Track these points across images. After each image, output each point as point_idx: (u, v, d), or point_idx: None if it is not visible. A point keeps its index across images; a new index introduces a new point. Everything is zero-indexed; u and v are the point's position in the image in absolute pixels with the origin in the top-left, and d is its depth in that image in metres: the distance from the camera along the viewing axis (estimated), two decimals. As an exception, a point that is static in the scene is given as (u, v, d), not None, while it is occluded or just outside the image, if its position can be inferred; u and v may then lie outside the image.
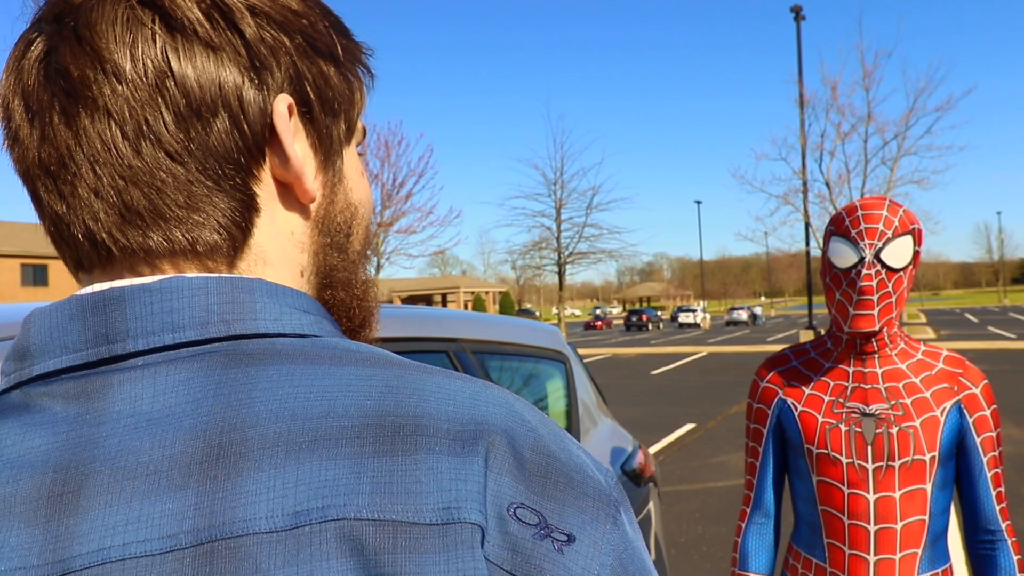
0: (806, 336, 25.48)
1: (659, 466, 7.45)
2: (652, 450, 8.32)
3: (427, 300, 70.67)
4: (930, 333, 29.87)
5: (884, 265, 1.37)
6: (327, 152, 0.51)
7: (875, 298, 1.37)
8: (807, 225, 24.70)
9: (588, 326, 55.34)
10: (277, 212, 0.48)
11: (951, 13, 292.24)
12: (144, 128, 0.43)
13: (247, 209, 0.46)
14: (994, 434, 1.42)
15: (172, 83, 0.43)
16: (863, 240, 1.38)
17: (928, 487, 1.39)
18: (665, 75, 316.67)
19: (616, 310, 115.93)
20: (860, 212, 1.42)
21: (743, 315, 53.86)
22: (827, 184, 24.88)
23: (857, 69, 30.82)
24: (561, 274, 30.93)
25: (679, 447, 8.46)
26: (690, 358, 22.27)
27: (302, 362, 0.41)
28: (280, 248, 0.49)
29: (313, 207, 0.50)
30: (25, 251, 40.60)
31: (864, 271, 1.37)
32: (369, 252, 0.58)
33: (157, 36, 0.43)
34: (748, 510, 1.60)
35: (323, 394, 0.39)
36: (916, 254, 1.42)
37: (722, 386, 14.46)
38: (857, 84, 24.73)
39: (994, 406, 1.43)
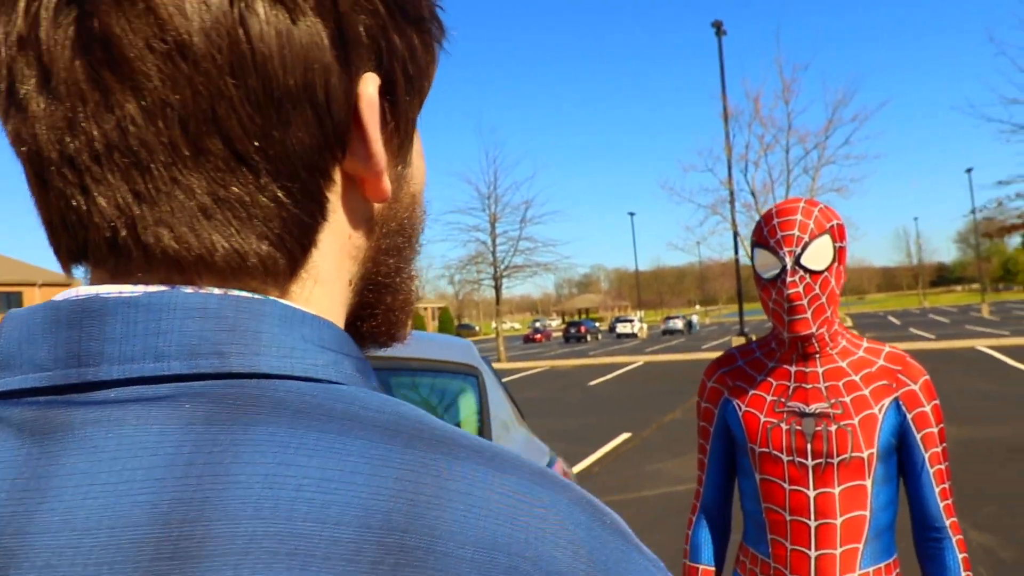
0: (738, 343, 26.09)
1: (595, 477, 7.49)
2: (587, 461, 8.35)
3: (364, 318, 70.03)
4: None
5: (807, 269, 1.38)
6: (402, 139, 0.42)
7: (805, 302, 1.39)
8: (735, 234, 25.32)
9: (528, 339, 55.53)
10: (340, 217, 0.40)
11: (865, 27, 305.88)
12: (211, 122, 0.34)
13: (314, 219, 0.38)
14: (935, 430, 1.41)
15: (250, 62, 0.34)
16: (782, 248, 1.40)
17: (868, 483, 1.40)
18: (594, 90, 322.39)
19: (555, 322, 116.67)
20: (776, 220, 1.43)
21: (679, 324, 54.82)
22: (752, 193, 25.60)
23: (777, 82, 31.88)
24: (498, 288, 30.95)
25: (615, 457, 8.52)
26: (627, 368, 22.52)
27: (304, 425, 0.32)
28: (335, 258, 0.40)
29: (378, 207, 0.42)
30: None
31: (788, 279, 1.39)
32: (420, 246, 0.49)
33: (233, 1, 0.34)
34: (697, 504, 1.62)
35: (320, 483, 0.30)
36: (839, 250, 1.43)
37: (658, 395, 14.65)
38: (778, 97, 25.62)
39: (935, 402, 1.43)
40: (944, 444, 1.44)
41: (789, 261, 1.39)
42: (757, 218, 25.51)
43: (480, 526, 0.30)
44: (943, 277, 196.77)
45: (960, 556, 1.42)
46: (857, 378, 1.44)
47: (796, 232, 1.39)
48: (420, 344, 2.12)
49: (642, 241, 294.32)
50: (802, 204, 1.43)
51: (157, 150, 0.34)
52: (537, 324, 77.83)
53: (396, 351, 1.91)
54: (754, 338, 26.26)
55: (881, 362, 1.45)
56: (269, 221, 0.36)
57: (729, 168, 25.24)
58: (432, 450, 0.33)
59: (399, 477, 0.31)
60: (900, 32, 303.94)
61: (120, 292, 0.34)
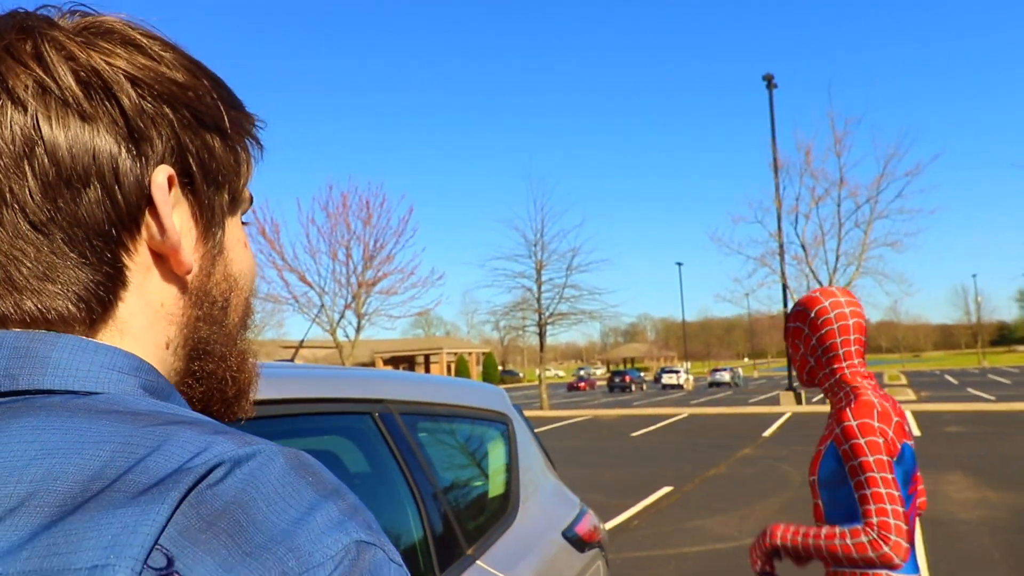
0: (786, 398, 25.46)
1: (634, 530, 7.33)
2: (627, 513, 8.18)
3: (410, 361, 70.20)
4: (911, 395, 29.94)
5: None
6: (208, 223, 0.51)
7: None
8: (784, 287, 24.95)
9: (571, 387, 55.01)
10: (149, 283, 0.47)
11: (917, 81, 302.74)
12: (8, 196, 0.42)
13: (112, 281, 0.45)
14: (855, 463, 1.77)
15: (41, 151, 0.42)
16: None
17: (819, 501, 1.91)
18: (644, 139, 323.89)
19: (600, 371, 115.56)
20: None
21: (726, 376, 53.82)
22: (803, 246, 25.24)
23: (829, 135, 31.65)
24: (542, 335, 30.84)
25: (655, 511, 8.32)
26: (672, 419, 22.13)
27: (56, 415, 0.39)
28: (146, 320, 0.47)
29: (189, 278, 0.50)
30: None
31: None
32: (248, 326, 0.57)
33: (29, 103, 0.43)
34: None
35: (52, 452, 0.37)
36: (791, 329, 2.04)
37: (702, 449, 14.33)
38: (829, 150, 25.38)
39: (854, 440, 1.78)
40: (868, 471, 1.77)
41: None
42: (806, 271, 25.18)
43: (163, 461, 0.37)
44: (1004, 336, 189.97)
45: (857, 540, 1.73)
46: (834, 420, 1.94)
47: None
48: (451, 389, 2.12)
49: (689, 291, 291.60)
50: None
51: None
52: (581, 372, 77.36)
53: (420, 395, 1.92)
54: (802, 394, 25.64)
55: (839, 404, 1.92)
56: (67, 283, 0.44)
57: (779, 220, 25.00)
58: (164, 424, 0.40)
59: (125, 441, 0.38)
60: (955, 85, 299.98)
61: None
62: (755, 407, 26.45)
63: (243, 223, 0.58)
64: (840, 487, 1.82)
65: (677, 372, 53.70)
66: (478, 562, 1.76)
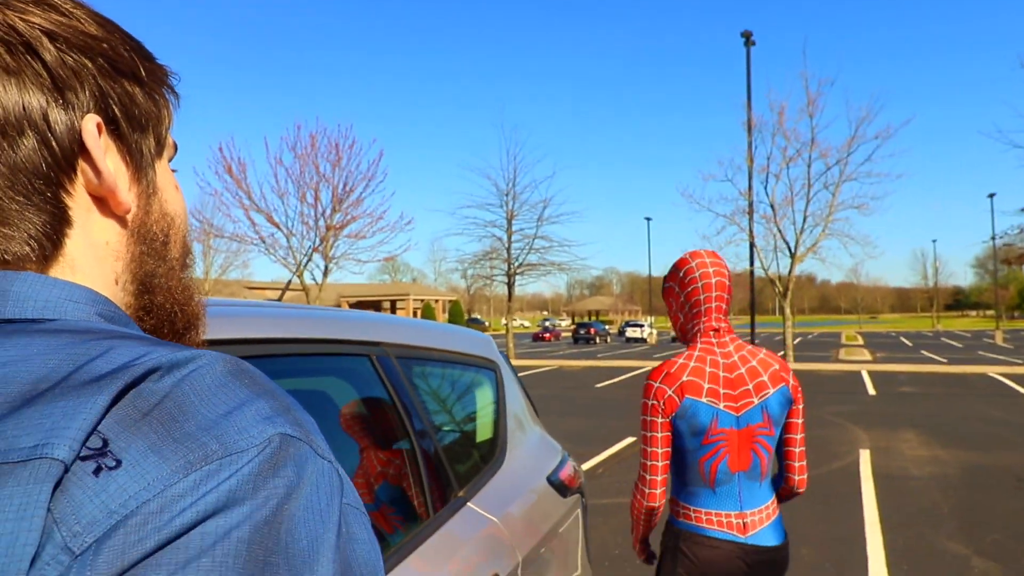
0: (748, 354, 25.96)
1: (599, 477, 7.49)
2: (592, 462, 8.35)
3: (376, 306, 70.02)
4: (867, 355, 30.73)
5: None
6: (138, 165, 0.55)
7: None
8: (752, 245, 25.21)
9: (536, 338, 55.47)
10: (92, 224, 0.51)
11: (893, 45, 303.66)
12: None
13: (58, 221, 0.49)
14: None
15: None
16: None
17: None
18: (618, 92, 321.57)
19: (565, 322, 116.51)
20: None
21: (688, 331, 54.52)
22: (772, 206, 25.48)
23: (802, 96, 31.68)
24: (511, 285, 30.91)
25: (619, 460, 8.51)
26: (635, 372, 22.48)
27: (12, 333, 0.44)
28: (93, 257, 0.52)
29: (129, 217, 0.54)
30: None
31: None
32: (190, 263, 0.61)
33: None
34: None
35: (5, 363, 0.41)
36: (665, 288, 2.23)
37: (664, 401, 14.59)
38: (802, 111, 25.45)
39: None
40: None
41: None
42: (775, 230, 25.46)
43: (109, 362, 0.41)
44: (958, 301, 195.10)
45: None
46: None
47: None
48: (444, 335, 2.12)
49: (657, 247, 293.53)
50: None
51: None
52: (547, 323, 77.76)
53: (415, 339, 1.92)
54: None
55: None
56: (18, 225, 0.48)
57: (750, 179, 25.13)
58: (108, 338, 0.44)
59: (71, 352, 0.42)
60: (929, 52, 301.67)
61: None
62: (717, 362, 26.89)
63: (172, 169, 0.62)
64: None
65: (641, 326, 54.36)
66: (469, 503, 1.79)
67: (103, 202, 0.52)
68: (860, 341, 48.16)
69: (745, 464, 2.09)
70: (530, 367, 25.26)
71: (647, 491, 2.10)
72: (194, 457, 0.38)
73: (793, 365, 23.50)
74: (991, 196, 50.05)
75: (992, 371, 20.99)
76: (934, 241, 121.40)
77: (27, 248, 0.48)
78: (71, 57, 0.49)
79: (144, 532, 0.35)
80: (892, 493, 6.95)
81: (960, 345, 41.47)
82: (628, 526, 5.82)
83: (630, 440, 9.82)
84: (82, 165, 0.50)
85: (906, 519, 6.07)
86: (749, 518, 2.10)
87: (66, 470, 0.36)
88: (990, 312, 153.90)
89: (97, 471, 0.36)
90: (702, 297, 2.11)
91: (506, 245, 30.43)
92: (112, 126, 0.52)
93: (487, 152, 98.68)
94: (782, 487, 2.26)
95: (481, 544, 1.71)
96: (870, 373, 20.81)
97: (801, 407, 2.17)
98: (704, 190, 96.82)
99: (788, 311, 25.93)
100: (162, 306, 0.57)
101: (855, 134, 24.82)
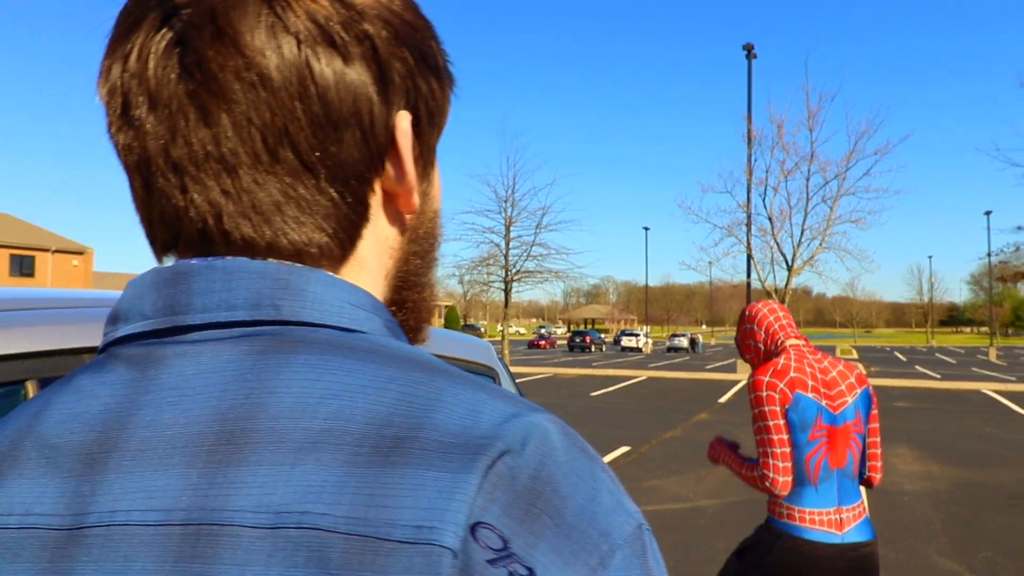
0: (742, 366, 26.03)
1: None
2: (585, 471, 8.34)
3: (371, 310, 69.86)
4: (861, 370, 30.74)
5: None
6: (426, 164, 0.53)
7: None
8: (749, 257, 25.26)
9: (532, 345, 55.40)
10: (380, 220, 0.50)
11: (894, 61, 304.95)
12: (284, 136, 0.43)
13: (359, 218, 0.48)
14: (753, 412, 2.33)
15: (314, 92, 0.43)
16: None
17: None
18: (620, 102, 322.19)
19: (561, 330, 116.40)
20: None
21: (683, 342, 54.68)
22: (770, 219, 25.52)
23: (802, 109, 31.79)
24: (507, 291, 30.87)
25: (613, 469, 8.44)
26: (630, 382, 22.49)
27: (332, 354, 0.41)
28: (376, 254, 0.50)
29: (408, 216, 0.52)
30: (14, 242, 40.02)
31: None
32: (438, 260, 0.60)
33: (302, 45, 0.43)
34: None
35: (339, 393, 0.39)
36: (745, 331, 2.58)
37: (660, 411, 14.62)
38: (802, 124, 25.51)
39: (751, 395, 2.33)
40: (757, 423, 2.30)
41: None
42: (772, 243, 25.52)
43: (460, 422, 0.38)
44: (953, 318, 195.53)
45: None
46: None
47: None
48: (440, 341, 2.12)
49: (654, 257, 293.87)
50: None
51: (243, 157, 0.43)
52: (543, 330, 77.79)
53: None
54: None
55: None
56: (326, 218, 0.46)
57: (748, 192, 25.19)
58: (433, 375, 0.41)
59: (402, 390, 0.39)
60: (929, 68, 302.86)
61: (203, 260, 0.44)
62: (712, 373, 26.98)
63: None
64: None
65: (637, 335, 54.40)
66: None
67: (392, 200, 0.50)
68: (855, 355, 48.24)
69: (842, 461, 2.26)
70: (525, 374, 25.24)
71: (772, 476, 2.24)
72: (593, 560, 0.36)
73: (788, 378, 23.47)
74: (988, 213, 50.24)
75: (986, 388, 21.04)
76: (930, 257, 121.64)
77: (331, 243, 0.46)
78: (395, 48, 0.47)
79: None
80: (884, 507, 6.96)
81: (954, 361, 41.55)
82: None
83: (625, 449, 9.82)
84: (389, 162, 0.48)
85: (898, 534, 6.08)
86: (845, 514, 2.24)
87: (454, 556, 0.34)
88: (984, 329, 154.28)
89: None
90: (773, 319, 2.50)
91: (504, 251, 30.44)
92: (415, 123, 0.49)
93: (488, 158, 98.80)
94: (861, 481, 2.41)
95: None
96: (864, 387, 20.83)
97: (877, 411, 2.42)
98: (702, 202, 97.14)
99: (784, 324, 25.91)
100: (415, 302, 0.56)
101: (854, 148, 24.87)
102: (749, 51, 24.84)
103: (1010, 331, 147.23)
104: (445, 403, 0.39)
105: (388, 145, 0.47)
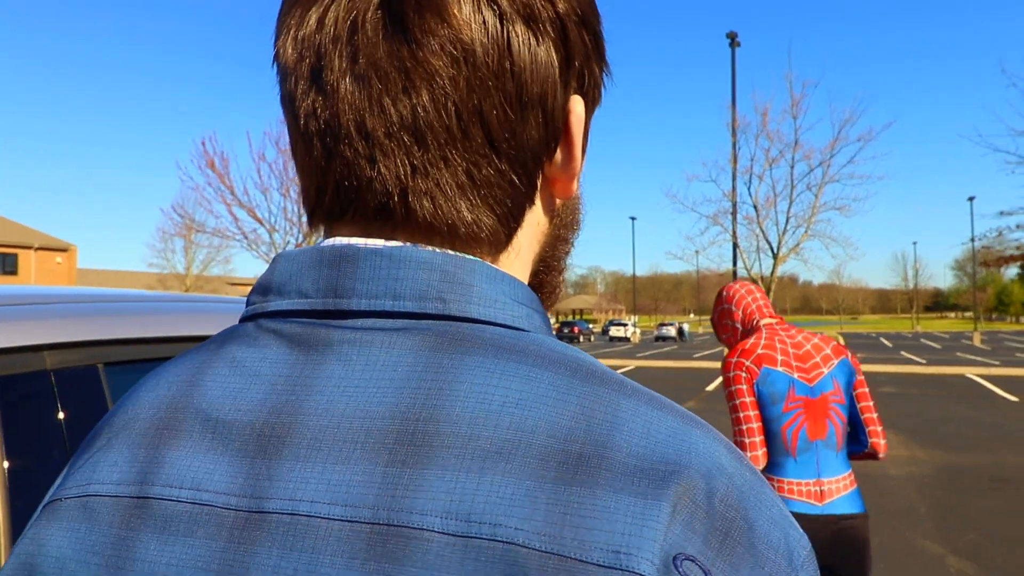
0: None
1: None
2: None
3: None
4: (840, 341, 30.96)
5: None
6: (582, 150, 0.51)
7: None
8: (735, 245, 25.33)
9: (520, 336, 55.27)
10: (538, 203, 0.49)
11: (877, 48, 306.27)
12: (478, 114, 0.43)
13: (527, 202, 0.47)
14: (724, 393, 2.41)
15: (510, 71, 0.43)
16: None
17: None
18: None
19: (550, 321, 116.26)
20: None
21: (671, 331, 54.84)
22: (755, 207, 25.61)
23: (786, 97, 31.90)
24: (494, 283, 30.80)
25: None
26: (619, 371, 22.44)
27: (505, 358, 0.40)
28: (530, 239, 0.50)
29: (559, 201, 0.52)
30: None
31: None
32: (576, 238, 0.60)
33: (504, 20, 0.42)
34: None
35: (519, 401, 0.38)
36: (721, 311, 2.69)
37: (646, 400, 14.62)
38: (786, 112, 25.58)
39: (721, 377, 2.42)
40: (729, 403, 2.40)
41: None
42: (757, 231, 25.61)
43: (643, 444, 0.37)
44: (938, 303, 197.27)
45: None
46: None
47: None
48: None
49: (641, 247, 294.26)
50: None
51: (437, 131, 0.42)
52: (531, 322, 77.42)
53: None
54: None
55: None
56: (503, 200, 0.45)
57: (734, 180, 25.24)
58: (605, 386, 0.40)
59: (580, 404, 0.38)
60: (911, 56, 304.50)
61: (367, 243, 0.43)
62: (700, 362, 27.09)
63: None
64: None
65: (625, 325, 54.48)
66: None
67: (550, 184, 0.49)
68: (842, 342, 48.50)
69: (822, 432, 2.32)
70: (513, 365, 25.20)
71: (748, 454, 2.31)
72: None
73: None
74: (971, 199, 50.68)
75: (970, 372, 21.23)
76: (914, 243, 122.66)
77: (499, 226, 0.45)
78: (577, 32, 0.46)
79: None
80: (870, 492, 7.01)
81: (939, 346, 41.92)
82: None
83: (612, 439, 9.83)
84: (560, 146, 0.47)
85: (883, 518, 6.12)
86: (827, 486, 2.29)
87: None
88: (969, 314, 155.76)
89: None
90: (751, 299, 2.59)
91: (490, 243, 30.29)
92: (585, 108, 0.49)
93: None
94: (866, 451, 2.45)
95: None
96: (850, 373, 20.96)
97: (863, 378, 2.45)
98: (688, 191, 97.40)
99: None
100: (552, 286, 0.56)
101: (838, 136, 24.98)
102: (732, 39, 24.82)
103: (994, 316, 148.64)
104: (624, 419, 0.38)
105: (562, 129, 0.47)
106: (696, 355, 33.07)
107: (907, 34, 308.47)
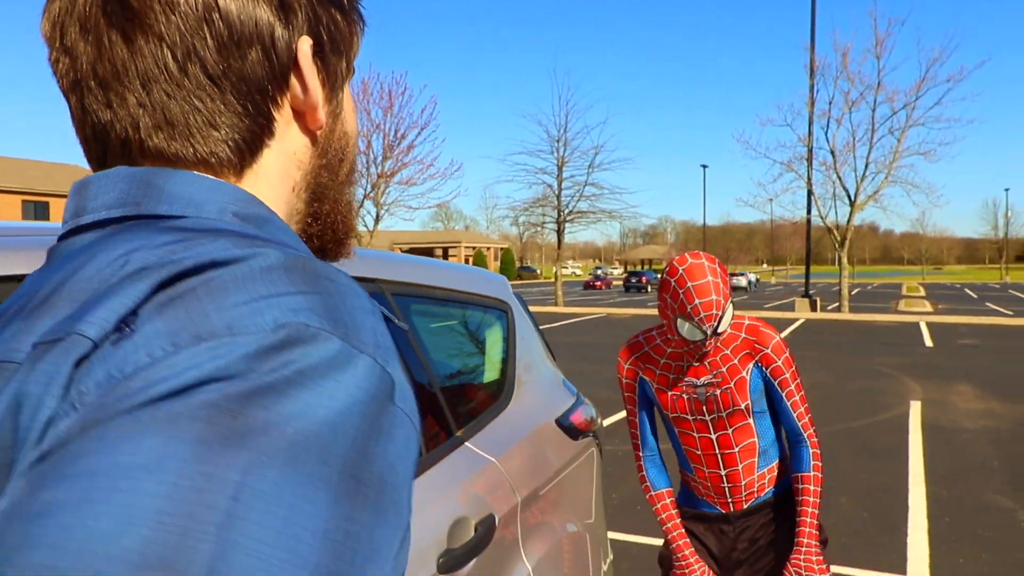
0: (801, 304, 25.48)
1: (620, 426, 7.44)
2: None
3: (428, 253, 70.47)
4: (927, 306, 29.81)
5: (716, 333, 1.92)
6: (332, 87, 0.60)
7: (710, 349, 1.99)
8: (810, 192, 24.47)
9: (588, 286, 55.24)
10: (288, 136, 0.57)
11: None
12: (192, 53, 0.50)
13: (263, 131, 0.55)
14: (787, 375, 2.02)
15: (217, 16, 0.51)
16: (705, 325, 1.89)
17: (751, 421, 2.06)
18: (673, 35, 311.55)
19: (617, 271, 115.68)
20: (697, 301, 1.87)
21: (742, 281, 53.72)
22: (832, 152, 24.61)
23: (869, 36, 30.12)
24: (560, 232, 30.64)
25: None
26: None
27: (155, 230, 0.47)
28: (282, 166, 0.57)
29: (318, 133, 0.59)
30: (27, 188, 40.82)
31: (706, 343, 1.94)
32: (355, 179, 0.67)
33: None
34: (640, 451, 2.24)
35: (137, 251, 0.44)
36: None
37: (712, 350, 14.40)
38: (869, 52, 24.29)
39: (785, 354, 2.02)
40: (796, 380, 2.04)
41: (710, 333, 1.90)
42: (834, 178, 24.63)
43: (159, 255, 0.44)
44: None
45: (811, 451, 2.05)
46: (728, 351, 2.02)
47: (714, 311, 1.87)
48: (448, 274, 2.09)
49: (713, 195, 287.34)
50: (708, 276, 1.87)
51: (158, 72, 0.51)
52: (598, 271, 77.31)
53: (415, 277, 1.88)
54: (818, 301, 25.00)
55: (743, 335, 2.02)
56: (231, 129, 0.53)
57: (810, 124, 24.29)
58: (207, 236, 0.46)
59: (166, 250, 0.44)
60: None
61: (100, 172, 0.52)
62: (770, 312, 26.50)
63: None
64: (760, 403, 2.16)
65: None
66: (467, 443, 1.77)
67: (301, 117, 0.57)
68: (922, 292, 46.73)
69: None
70: (577, 314, 25.23)
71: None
72: (199, 334, 0.38)
73: (847, 316, 22.94)
74: (1070, 142, 47.19)
75: (1060, 325, 20.15)
76: (1007, 190, 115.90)
77: (230, 152, 0.53)
78: None
79: (131, 391, 0.37)
80: (940, 446, 6.78)
81: (1028, 298, 39.87)
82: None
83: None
84: (293, 81, 0.55)
85: (953, 472, 5.92)
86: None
87: (95, 347, 0.38)
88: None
89: (115, 343, 0.38)
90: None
91: (556, 192, 30.14)
92: (317, 48, 0.56)
93: (539, 98, 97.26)
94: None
95: (477, 484, 1.70)
96: (929, 325, 20.21)
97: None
98: (761, 136, 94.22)
99: (845, 261, 25.20)
100: (328, 214, 0.62)
101: (925, 76, 23.66)
102: (812, -26, 23.55)
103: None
104: (193, 251, 0.44)
105: (291, 65, 0.54)
106: (767, 305, 32.35)
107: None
